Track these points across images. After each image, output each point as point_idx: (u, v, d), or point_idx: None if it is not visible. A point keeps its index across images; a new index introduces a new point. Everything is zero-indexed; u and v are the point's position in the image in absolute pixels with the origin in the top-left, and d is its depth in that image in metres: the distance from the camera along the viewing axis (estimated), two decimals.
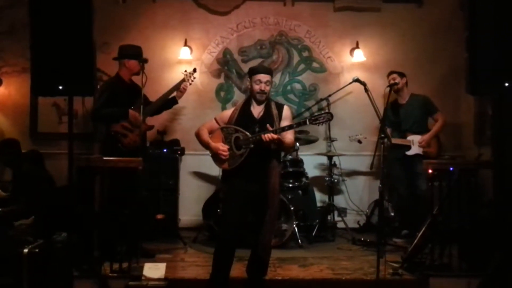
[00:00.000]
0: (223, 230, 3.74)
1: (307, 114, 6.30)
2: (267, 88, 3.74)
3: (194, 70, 5.25)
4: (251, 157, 3.63)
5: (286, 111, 3.84)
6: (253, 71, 3.83)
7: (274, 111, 3.75)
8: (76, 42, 3.45)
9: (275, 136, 3.49)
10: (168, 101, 5.08)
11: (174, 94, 5.06)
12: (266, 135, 3.50)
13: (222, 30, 6.35)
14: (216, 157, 3.78)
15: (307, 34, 6.39)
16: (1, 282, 3.72)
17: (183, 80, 5.12)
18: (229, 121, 3.79)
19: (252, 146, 3.59)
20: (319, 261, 4.63)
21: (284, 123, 3.72)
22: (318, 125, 3.63)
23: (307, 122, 3.57)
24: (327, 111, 3.63)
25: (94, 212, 4.28)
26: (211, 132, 3.85)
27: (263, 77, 3.74)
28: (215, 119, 3.90)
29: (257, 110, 3.78)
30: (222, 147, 3.70)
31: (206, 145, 3.81)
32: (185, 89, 5.07)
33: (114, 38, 5.98)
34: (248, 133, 3.62)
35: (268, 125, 3.58)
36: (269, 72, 3.85)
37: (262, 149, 3.60)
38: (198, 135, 3.87)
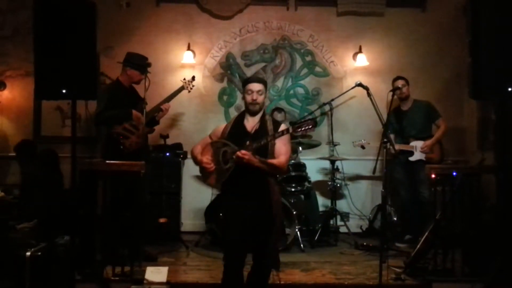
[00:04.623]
0: (228, 258, 3.39)
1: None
2: (260, 98, 3.45)
3: (193, 78, 5.30)
4: (243, 173, 3.32)
5: (283, 128, 3.46)
6: (245, 82, 3.61)
7: (270, 126, 3.44)
8: (80, 46, 3.47)
9: (245, 154, 3.20)
10: (150, 121, 4.93)
11: (156, 114, 4.97)
12: (238, 152, 3.23)
13: (225, 34, 6.37)
14: (202, 172, 3.52)
15: (310, 39, 6.40)
16: (3, 285, 3.72)
17: (182, 88, 5.17)
18: (222, 136, 3.51)
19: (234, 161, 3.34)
20: (321, 265, 4.62)
21: (279, 142, 3.38)
22: (301, 132, 3.39)
23: (290, 130, 3.33)
24: (310, 118, 3.34)
25: (97, 216, 4.29)
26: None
27: (255, 86, 3.46)
28: (209, 135, 3.64)
29: (251, 124, 3.48)
30: (206, 160, 3.44)
31: (195, 161, 3.56)
32: (167, 110, 5.02)
33: (117, 42, 6.02)
34: (235, 146, 3.33)
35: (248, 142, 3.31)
36: (262, 81, 3.55)
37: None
38: (191, 152, 3.62)
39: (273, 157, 3.37)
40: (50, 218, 4.30)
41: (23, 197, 4.91)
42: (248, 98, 3.46)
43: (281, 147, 3.39)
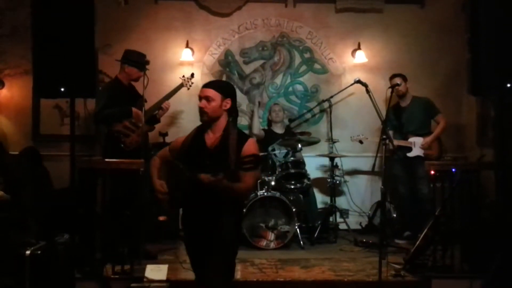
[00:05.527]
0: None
1: (308, 115, 6.32)
2: (210, 105, 2.89)
3: (192, 75, 5.33)
4: (198, 203, 2.83)
5: (250, 145, 2.88)
6: None
7: (233, 141, 2.86)
8: (78, 44, 3.46)
9: (211, 178, 2.64)
10: (150, 119, 4.98)
11: (156, 112, 5.03)
12: (204, 176, 2.67)
13: (224, 32, 6.36)
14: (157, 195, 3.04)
15: (308, 35, 6.39)
16: (3, 283, 3.72)
17: (181, 85, 5.20)
18: (180, 150, 3.00)
19: (189, 188, 2.78)
20: (321, 262, 4.63)
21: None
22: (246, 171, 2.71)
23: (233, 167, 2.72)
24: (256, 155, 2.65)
25: (96, 214, 4.29)
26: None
27: (203, 91, 2.94)
28: (168, 148, 3.17)
29: (211, 138, 2.94)
30: (161, 187, 2.94)
31: (151, 180, 3.08)
32: (167, 108, 5.06)
33: (116, 40, 6.00)
34: (186, 172, 2.79)
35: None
36: (215, 86, 2.97)
37: (208, 192, 2.74)
38: (150, 165, 3.17)
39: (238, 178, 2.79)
40: (45, 214, 4.30)
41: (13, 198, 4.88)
42: (198, 105, 2.96)
43: None
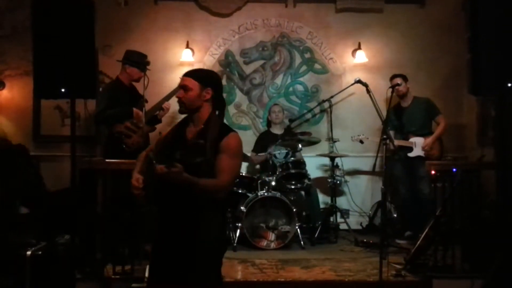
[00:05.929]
0: None
1: (309, 115, 6.32)
2: (187, 96, 2.64)
3: None
4: (173, 202, 2.56)
5: (230, 140, 2.60)
6: None
7: (212, 135, 2.57)
8: (78, 45, 3.46)
9: (163, 169, 2.33)
10: (151, 119, 5.02)
11: (157, 112, 5.06)
12: (160, 166, 2.35)
13: (224, 32, 6.36)
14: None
15: (309, 36, 6.39)
16: (3, 284, 3.72)
17: None
18: (163, 144, 2.76)
19: (159, 183, 2.45)
20: (321, 262, 4.62)
21: (224, 155, 2.55)
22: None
23: (178, 156, 2.50)
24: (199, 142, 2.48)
25: (97, 214, 4.29)
26: None
27: (181, 80, 2.71)
28: (156, 141, 2.92)
29: (192, 132, 2.68)
30: (136, 181, 2.59)
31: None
32: (168, 108, 5.07)
33: (116, 41, 6.01)
34: (157, 164, 2.40)
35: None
36: (192, 74, 2.70)
37: (181, 189, 2.45)
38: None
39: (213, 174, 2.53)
40: (40, 214, 4.31)
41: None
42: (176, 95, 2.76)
43: (225, 162, 2.55)
